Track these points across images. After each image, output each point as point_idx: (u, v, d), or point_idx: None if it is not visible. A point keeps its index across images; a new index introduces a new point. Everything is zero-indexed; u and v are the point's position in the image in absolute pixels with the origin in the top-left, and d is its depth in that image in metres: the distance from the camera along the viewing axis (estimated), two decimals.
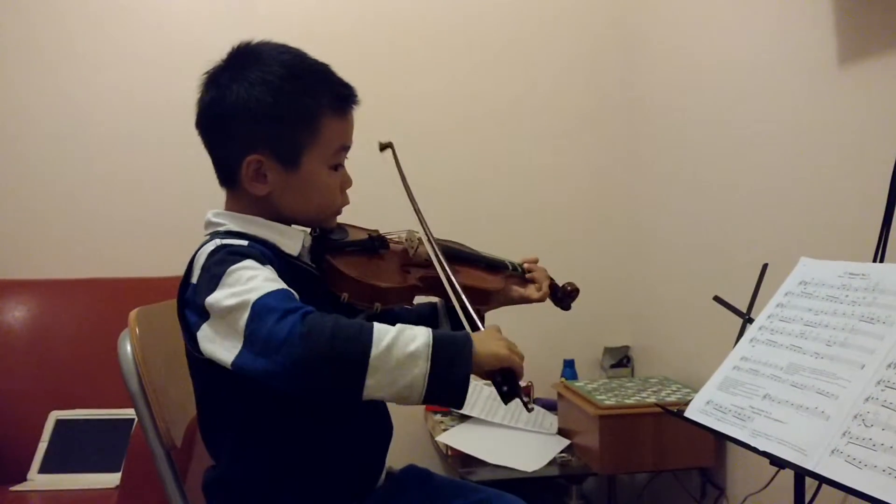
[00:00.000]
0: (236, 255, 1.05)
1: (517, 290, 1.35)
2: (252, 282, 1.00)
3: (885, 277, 1.07)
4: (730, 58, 1.95)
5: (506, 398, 1.01)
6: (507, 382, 1.00)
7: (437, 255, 1.19)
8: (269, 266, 1.05)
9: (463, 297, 1.13)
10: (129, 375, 1.22)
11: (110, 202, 2.43)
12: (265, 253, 1.09)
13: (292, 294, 1.00)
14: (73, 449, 2.06)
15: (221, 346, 0.99)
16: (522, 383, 2.47)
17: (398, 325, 0.97)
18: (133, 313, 1.26)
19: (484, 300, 1.28)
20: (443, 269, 1.17)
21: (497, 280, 1.30)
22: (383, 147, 1.27)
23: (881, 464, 0.88)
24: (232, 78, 1.11)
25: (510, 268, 1.35)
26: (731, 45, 1.95)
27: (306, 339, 0.92)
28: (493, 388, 2.30)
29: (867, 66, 1.47)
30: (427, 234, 1.22)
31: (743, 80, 1.89)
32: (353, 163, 1.21)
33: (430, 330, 0.97)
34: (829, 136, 1.58)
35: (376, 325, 0.96)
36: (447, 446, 2.04)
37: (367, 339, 0.93)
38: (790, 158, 1.71)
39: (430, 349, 0.95)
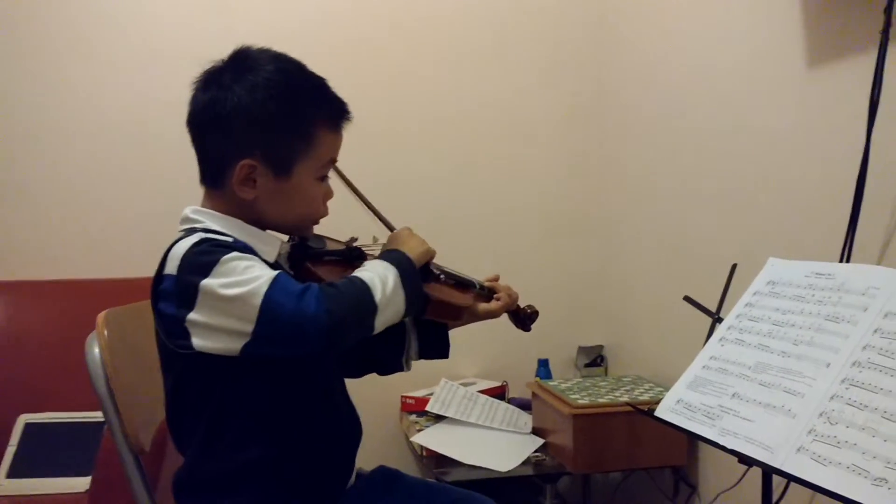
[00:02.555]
0: (223, 247, 1.06)
1: (483, 306, 1.35)
2: (251, 271, 1.02)
3: (851, 277, 1.09)
4: (700, 62, 1.97)
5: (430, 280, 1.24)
6: (425, 269, 1.22)
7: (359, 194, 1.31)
8: (256, 257, 1.07)
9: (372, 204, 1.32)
10: (96, 378, 1.20)
11: (79, 203, 2.39)
12: (248, 247, 1.10)
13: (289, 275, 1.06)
14: (43, 453, 2.03)
15: (222, 336, 1.01)
16: (497, 383, 2.50)
17: (366, 270, 1.10)
18: (101, 315, 1.25)
19: (456, 315, 1.31)
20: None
21: (467, 297, 1.33)
22: None
23: (845, 461, 0.89)
24: (234, 79, 1.11)
25: (477, 287, 1.37)
26: (701, 50, 1.97)
27: (331, 311, 1.01)
28: (467, 389, 2.33)
29: (834, 69, 1.49)
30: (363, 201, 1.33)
31: (713, 83, 1.91)
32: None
33: (384, 262, 1.13)
34: (798, 138, 1.60)
35: (359, 275, 1.09)
36: (422, 447, 2.04)
37: (367, 288, 1.07)
38: (759, 160, 1.73)
39: (399, 278, 1.11)
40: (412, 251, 1.17)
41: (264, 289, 1.00)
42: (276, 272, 1.03)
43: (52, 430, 2.06)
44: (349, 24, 2.49)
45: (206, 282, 1.01)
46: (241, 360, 1.03)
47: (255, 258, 1.07)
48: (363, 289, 1.07)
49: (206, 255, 1.04)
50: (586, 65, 2.58)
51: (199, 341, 1.03)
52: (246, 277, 1.01)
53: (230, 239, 1.10)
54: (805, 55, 1.56)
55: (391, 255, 1.16)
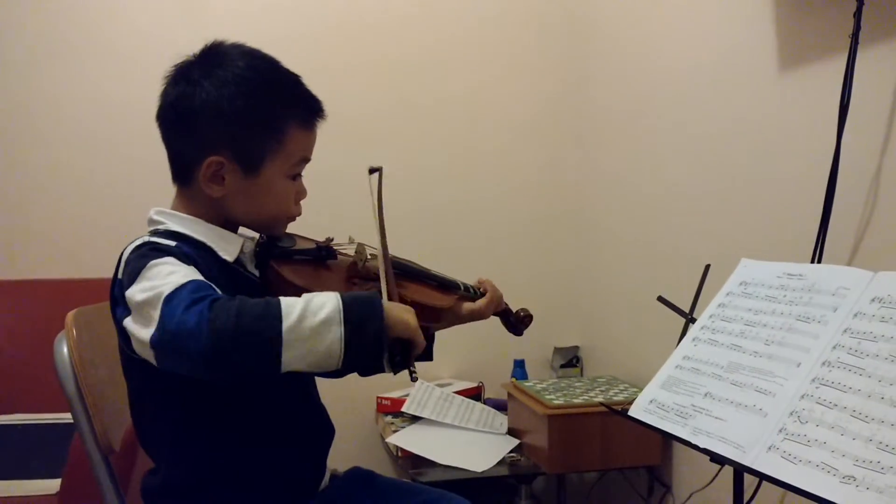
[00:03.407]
0: (159, 251, 1.03)
1: (467, 306, 1.32)
2: (171, 277, 0.97)
3: (821, 278, 1.10)
4: (674, 64, 1.98)
5: (395, 368, 1.04)
6: (403, 354, 1.03)
7: (385, 262, 1.17)
8: (192, 266, 1.03)
9: (390, 268, 1.15)
10: (65, 378, 1.19)
11: (47, 201, 2.36)
12: (190, 255, 1.06)
13: (207, 285, 0.98)
14: (13, 455, 2.00)
15: (141, 344, 0.97)
16: (473, 384, 2.49)
17: (305, 295, 0.97)
18: (70, 314, 1.24)
19: (435, 317, 1.27)
20: (384, 252, 1.17)
21: (448, 299, 1.29)
22: (372, 170, 1.22)
23: (815, 459, 0.90)
24: (203, 74, 1.09)
25: (462, 288, 1.33)
26: (675, 52, 1.98)
27: (213, 323, 0.90)
28: (443, 390, 2.32)
29: (805, 72, 1.51)
30: (382, 241, 1.20)
31: (687, 85, 1.93)
32: (308, 169, 1.20)
33: (338, 294, 0.98)
34: (770, 140, 1.62)
35: (282, 298, 0.95)
36: (397, 447, 2.04)
37: (275, 314, 0.93)
38: (732, 162, 1.75)
39: (342, 313, 0.95)
40: (391, 310, 1.01)
41: (164, 294, 0.94)
42: (188, 280, 0.96)
43: (21, 432, 2.03)
44: (325, 25, 2.48)
45: (132, 287, 0.99)
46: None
47: (187, 266, 1.01)
48: (270, 311, 0.93)
49: (139, 261, 1.01)
50: (561, 68, 2.59)
51: (136, 346, 1.00)
52: (160, 283, 0.96)
53: (172, 243, 1.06)
54: (777, 58, 1.58)
55: (359, 293, 1.02)
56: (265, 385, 1.13)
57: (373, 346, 0.97)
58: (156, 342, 0.93)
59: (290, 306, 0.94)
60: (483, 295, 1.35)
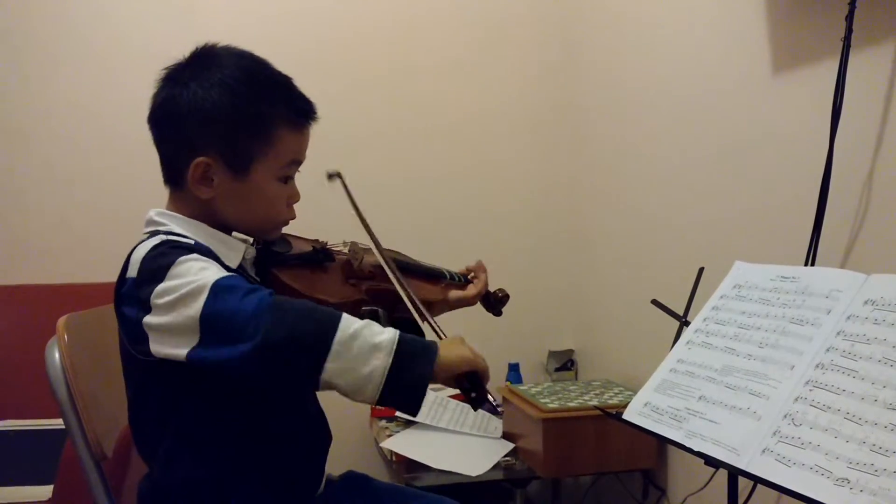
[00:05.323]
0: (182, 248, 1.03)
1: (455, 293, 1.37)
2: (205, 272, 0.99)
3: (815, 281, 1.10)
4: (668, 68, 1.99)
5: (475, 403, 1.05)
6: (476, 388, 1.03)
7: (392, 271, 1.20)
8: (216, 264, 1.04)
9: (421, 307, 1.16)
10: (56, 384, 1.18)
11: (37, 205, 2.36)
12: (210, 253, 1.07)
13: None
14: (5, 461, 1.99)
15: (172, 338, 0.98)
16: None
17: (367, 320, 0.98)
18: (61, 320, 1.23)
19: (426, 308, 1.28)
20: (399, 283, 1.19)
21: (436, 289, 1.33)
22: (331, 176, 1.25)
23: (809, 462, 0.90)
24: (191, 77, 1.10)
25: (447, 276, 1.37)
26: (669, 56, 1.98)
27: (276, 311, 0.93)
28: (437, 394, 2.31)
29: (798, 75, 1.51)
30: (378, 248, 1.22)
31: (681, 90, 1.93)
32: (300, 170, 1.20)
33: (398, 331, 0.99)
34: (763, 143, 1.62)
35: (345, 314, 0.97)
36: (392, 452, 2.03)
37: (334, 323, 0.95)
38: (726, 166, 1.75)
39: (395, 345, 0.96)
40: (446, 348, 1.02)
41: (210, 286, 0.96)
42: (226, 274, 0.99)
43: (13, 438, 2.02)
44: (324, 31, 2.48)
45: (162, 284, 0.99)
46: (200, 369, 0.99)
47: (214, 262, 1.03)
48: (329, 320, 0.95)
49: (163, 257, 1.01)
50: (556, 74, 2.60)
51: (154, 346, 1.00)
52: (197, 277, 0.98)
53: (192, 242, 1.07)
54: (770, 62, 1.58)
55: (418, 339, 1.01)
56: (266, 390, 1.12)
57: (414, 389, 0.98)
58: (206, 331, 0.95)
59: (350, 321, 0.96)
60: (468, 281, 1.39)
